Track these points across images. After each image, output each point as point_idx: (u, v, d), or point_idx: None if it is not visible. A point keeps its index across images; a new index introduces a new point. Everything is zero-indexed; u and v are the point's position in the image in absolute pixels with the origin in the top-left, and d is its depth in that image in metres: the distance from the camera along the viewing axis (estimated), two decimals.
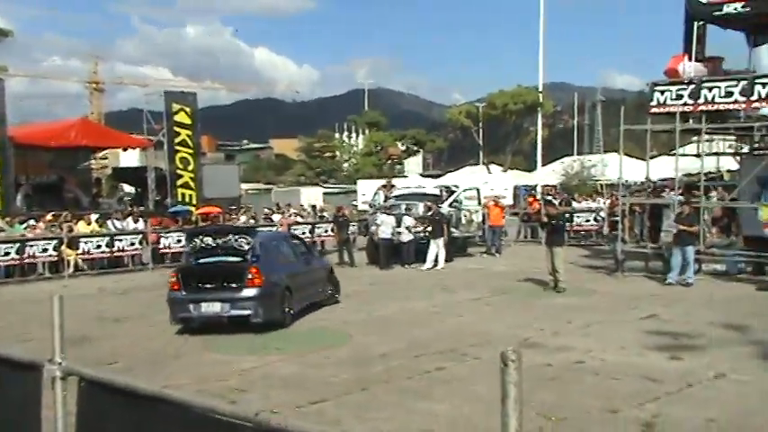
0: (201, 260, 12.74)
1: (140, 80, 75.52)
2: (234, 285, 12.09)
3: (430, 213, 21.25)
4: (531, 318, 12.61)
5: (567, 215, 19.40)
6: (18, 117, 39.70)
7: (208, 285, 12.25)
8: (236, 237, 12.74)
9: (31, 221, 23.05)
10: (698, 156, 19.10)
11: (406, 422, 7.07)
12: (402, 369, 9.19)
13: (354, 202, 38.17)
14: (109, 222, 23.58)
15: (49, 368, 3.63)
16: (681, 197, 18.13)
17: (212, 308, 12.01)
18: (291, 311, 12.74)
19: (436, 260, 20.57)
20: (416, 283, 16.86)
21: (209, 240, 12.77)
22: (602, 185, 40.76)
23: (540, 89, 55.44)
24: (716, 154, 20.69)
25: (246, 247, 12.45)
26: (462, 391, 8.10)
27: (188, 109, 33.14)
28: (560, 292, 15.36)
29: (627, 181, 27.00)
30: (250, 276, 12.05)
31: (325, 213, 30.01)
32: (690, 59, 18.42)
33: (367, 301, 15.12)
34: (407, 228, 21.06)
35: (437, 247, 20.58)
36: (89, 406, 3.61)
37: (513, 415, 2.03)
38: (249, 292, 11.99)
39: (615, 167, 27.57)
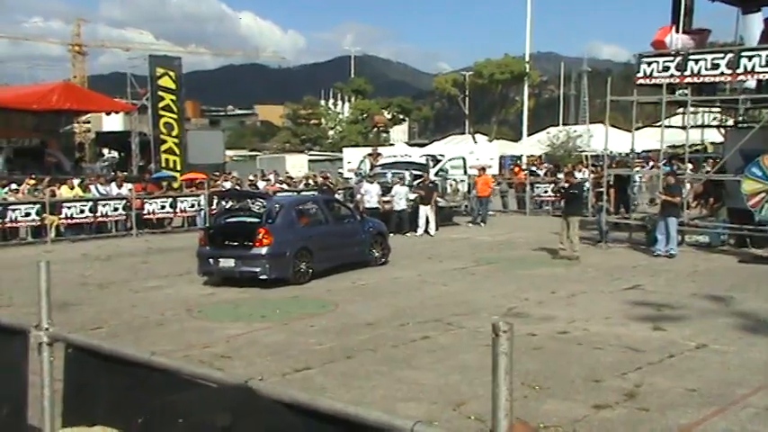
0: (227, 219, 14.05)
1: (123, 44, 74.22)
2: (247, 244, 13.16)
3: (421, 181, 21.35)
4: (516, 288, 12.68)
5: (584, 185, 19.47)
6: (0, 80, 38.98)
7: (227, 243, 13.39)
8: (253, 200, 13.99)
9: (13, 186, 22.78)
10: (683, 128, 19.17)
11: (392, 390, 7.11)
12: (387, 338, 9.23)
13: (340, 170, 38.01)
14: (92, 187, 23.36)
15: (36, 334, 3.59)
16: (667, 168, 18.24)
17: (228, 263, 13.19)
18: (311, 270, 13.53)
19: (427, 226, 20.79)
20: (402, 251, 16.88)
21: (231, 202, 14.24)
22: (587, 156, 40.85)
23: (527, 59, 55.24)
24: (701, 126, 20.76)
25: (262, 210, 13.48)
26: (448, 360, 8.15)
27: (172, 73, 32.80)
28: (572, 260, 15.48)
29: (612, 152, 27.14)
30: (260, 236, 13.07)
31: (310, 181, 29.88)
32: (677, 31, 18.39)
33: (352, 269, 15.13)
34: (399, 196, 21.14)
35: (426, 213, 20.78)
36: (76, 372, 3.58)
37: (503, 385, 2.02)
38: (259, 250, 13.05)
39: (601, 138, 27.68)
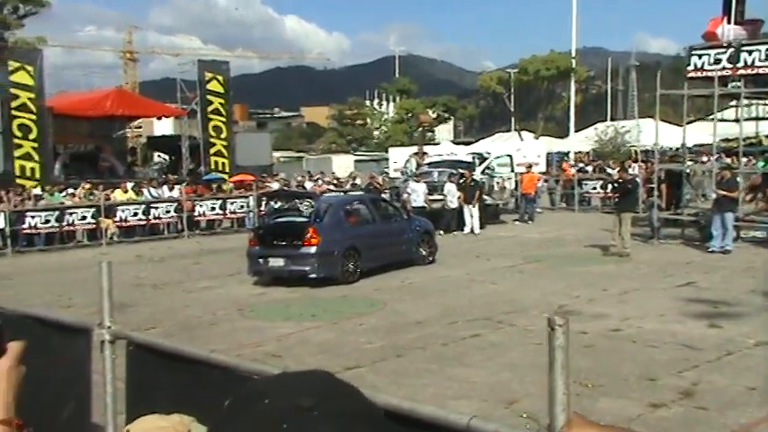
0: (276, 220, 14.30)
1: (173, 50, 75.67)
2: (296, 243, 13.29)
3: (463, 180, 21.26)
4: (566, 285, 12.55)
5: (637, 180, 19.17)
6: (56, 87, 40.18)
7: (276, 243, 13.55)
8: (301, 200, 14.27)
9: (69, 190, 23.44)
10: (736, 121, 18.71)
11: (443, 388, 7.11)
12: (437, 336, 9.24)
13: (386, 170, 38.07)
14: (145, 190, 23.88)
15: (99, 332, 3.70)
16: (719, 162, 17.83)
17: (277, 263, 13.37)
18: (359, 269, 13.61)
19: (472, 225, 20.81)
20: (450, 250, 16.85)
21: (281, 203, 14.61)
22: (636, 152, 40.13)
23: (574, 54, 54.53)
24: (755, 119, 20.25)
25: (310, 210, 13.67)
26: (498, 358, 8.12)
27: (221, 77, 33.29)
28: (623, 257, 15.29)
29: (662, 147, 26.64)
30: (308, 236, 13.21)
31: (357, 181, 30.02)
32: (729, 22, 17.96)
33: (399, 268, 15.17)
34: (452, 194, 21.09)
35: (470, 212, 20.73)
36: (138, 369, 3.69)
37: (560, 379, 2.02)
38: (307, 249, 13.18)
39: (650, 133, 27.19)
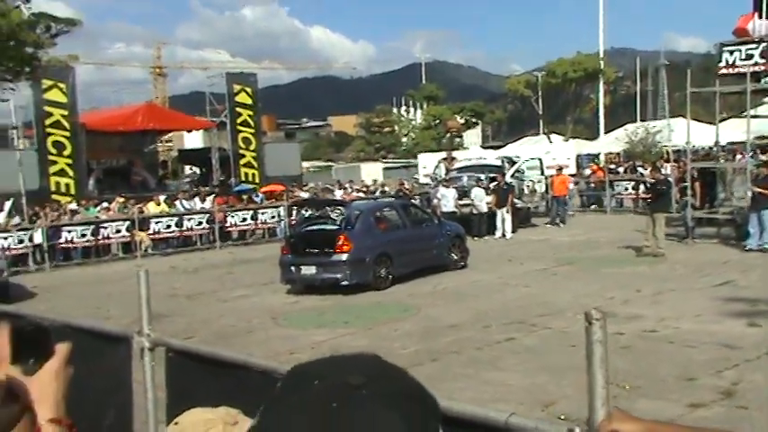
0: (307, 228, 14.36)
1: (201, 63, 76.68)
2: (327, 251, 13.31)
3: (496, 184, 21.20)
4: (600, 287, 12.44)
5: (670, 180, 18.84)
6: (87, 104, 40.86)
7: (308, 251, 13.59)
8: (332, 207, 14.36)
9: (104, 204, 23.83)
10: None
11: (479, 392, 7.09)
12: (471, 340, 9.22)
13: (416, 176, 38.10)
14: (177, 203, 24.18)
15: (138, 339, 3.76)
16: (753, 159, 17.55)
17: (309, 271, 13.42)
18: (391, 275, 13.61)
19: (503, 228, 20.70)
20: (481, 254, 16.79)
21: (311, 211, 14.73)
22: (668, 152, 39.65)
23: (601, 55, 54.14)
24: None
25: (341, 217, 13.69)
26: (534, 361, 8.08)
27: (249, 89, 33.65)
28: (657, 257, 15.14)
29: (694, 146, 26.28)
30: (339, 243, 13.22)
31: (386, 188, 30.08)
32: (760, 17, 17.69)
33: (431, 273, 15.16)
34: (479, 198, 21.03)
35: (502, 216, 20.66)
36: (177, 375, 3.74)
37: (599, 374, 2.01)
38: (339, 257, 13.20)
39: (682, 133, 26.77)
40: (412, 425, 0.70)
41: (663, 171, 22.03)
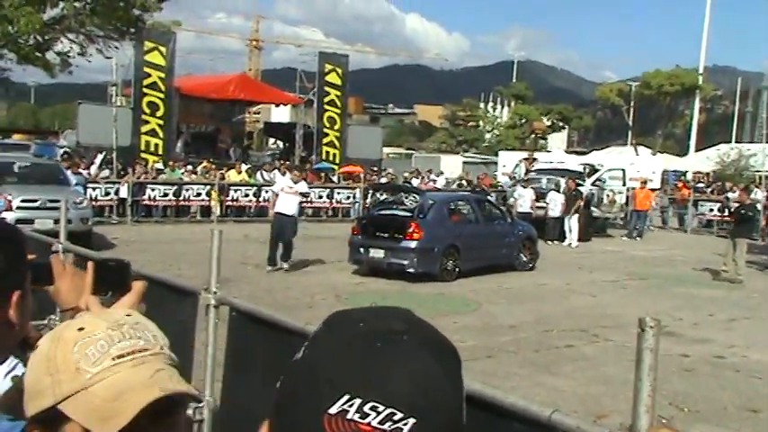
0: (380, 212, 14.50)
1: (296, 40, 77.90)
2: (397, 236, 13.39)
3: (566, 189, 20.87)
4: (670, 306, 12.11)
5: (757, 206, 18.12)
6: (184, 70, 42.10)
7: (378, 234, 13.67)
8: (407, 194, 14.37)
9: (189, 167, 24.58)
10: None
11: (530, 393, 7.03)
12: (530, 342, 9.16)
13: (495, 173, 37.80)
14: (258, 174, 24.73)
15: (205, 296, 3.93)
16: None
17: (377, 254, 13.51)
18: (457, 269, 13.60)
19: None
20: (551, 259, 16.59)
21: (386, 195, 14.81)
22: (760, 177, 38.09)
23: (701, 71, 52.34)
24: None
25: (414, 205, 13.69)
26: (590, 371, 7.97)
27: (339, 70, 33.96)
28: (735, 283, 14.68)
29: None
30: (410, 230, 13.28)
31: (463, 182, 29.97)
32: None
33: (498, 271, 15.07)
34: (555, 202, 20.75)
35: (569, 224, 20.37)
36: (238, 334, 3.89)
37: (646, 380, 2.02)
38: (408, 244, 13.25)
39: None
40: (447, 370, 0.77)
41: (752, 196, 21.23)
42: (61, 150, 26.85)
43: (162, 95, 28.74)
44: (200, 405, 3.67)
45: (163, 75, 28.76)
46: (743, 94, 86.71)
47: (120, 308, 1.55)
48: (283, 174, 17.42)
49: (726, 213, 22.18)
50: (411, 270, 13.18)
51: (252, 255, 15.80)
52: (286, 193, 13.82)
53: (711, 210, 25.45)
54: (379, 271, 13.66)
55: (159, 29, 30.47)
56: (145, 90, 28.51)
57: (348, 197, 24.56)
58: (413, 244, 13.28)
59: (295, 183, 14.15)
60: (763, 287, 14.70)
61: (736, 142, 56.40)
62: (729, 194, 27.41)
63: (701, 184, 34.03)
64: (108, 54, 25.42)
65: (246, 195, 22.72)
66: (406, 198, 14.18)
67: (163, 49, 28.75)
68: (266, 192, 23.01)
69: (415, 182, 28.18)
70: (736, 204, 16.14)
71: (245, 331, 3.89)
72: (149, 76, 28.50)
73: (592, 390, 7.27)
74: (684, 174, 44.73)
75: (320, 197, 24.03)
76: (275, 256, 13.87)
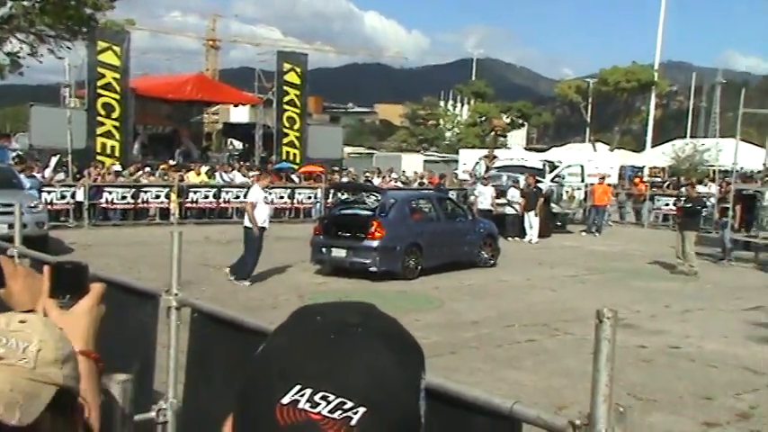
0: (341, 211, 14.45)
1: (253, 39, 77.38)
2: (359, 236, 13.38)
3: (527, 186, 21.11)
4: (628, 299, 12.34)
5: (705, 200, 18.68)
6: (139, 70, 41.45)
7: (340, 234, 13.66)
8: (368, 193, 14.41)
9: (147, 169, 24.25)
10: None
11: (493, 388, 7.12)
12: (492, 337, 9.26)
13: (455, 171, 38.05)
14: (217, 175, 24.52)
15: (166, 298, 3.89)
16: None
17: (340, 253, 13.50)
18: (420, 267, 13.67)
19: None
20: (512, 255, 16.77)
21: (347, 195, 14.80)
22: (714, 171, 38.95)
23: (656, 67, 53.34)
24: None
25: (376, 204, 13.73)
26: (551, 364, 8.10)
27: (298, 69, 33.81)
28: (690, 275, 15.01)
29: (742, 168, 25.78)
30: (372, 229, 13.28)
31: (424, 180, 30.09)
32: None
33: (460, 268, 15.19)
34: (515, 198, 20.97)
35: (530, 219, 20.63)
36: (200, 336, 3.87)
37: (604, 371, 2.07)
38: (370, 243, 13.26)
39: (730, 153, 26.36)
40: (402, 361, 0.78)
41: (702, 190, 21.72)
42: (13, 153, 26.30)
43: (117, 96, 28.28)
44: (164, 407, 3.65)
45: (118, 75, 28.30)
46: (697, 89, 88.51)
47: (79, 310, 1.54)
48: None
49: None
50: (373, 269, 13.22)
51: (213, 256, 15.69)
52: (265, 204, 13.54)
53: (667, 204, 25.97)
54: (341, 270, 13.66)
55: (113, 28, 30.00)
56: (99, 91, 28.03)
57: (309, 197, 24.50)
58: (375, 243, 13.31)
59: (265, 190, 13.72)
60: (717, 279, 15.06)
61: (692, 137, 57.57)
62: (683, 189, 28.07)
63: (657, 179, 34.71)
64: (60, 54, 24.89)
65: (206, 197, 22.51)
66: (368, 197, 14.22)
67: (117, 48, 28.29)
68: (227, 193, 22.89)
69: (377, 181, 28.22)
70: (686, 198, 16.56)
71: (207, 332, 3.86)
72: (104, 76, 28.02)
73: (553, 382, 7.38)
74: (641, 169, 45.55)
75: (281, 197, 23.92)
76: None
